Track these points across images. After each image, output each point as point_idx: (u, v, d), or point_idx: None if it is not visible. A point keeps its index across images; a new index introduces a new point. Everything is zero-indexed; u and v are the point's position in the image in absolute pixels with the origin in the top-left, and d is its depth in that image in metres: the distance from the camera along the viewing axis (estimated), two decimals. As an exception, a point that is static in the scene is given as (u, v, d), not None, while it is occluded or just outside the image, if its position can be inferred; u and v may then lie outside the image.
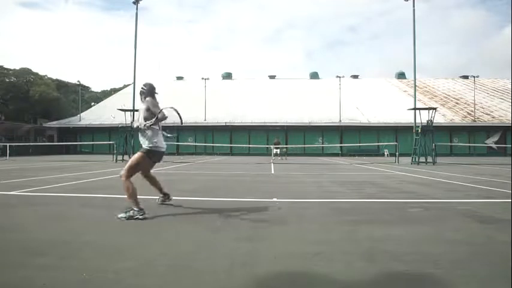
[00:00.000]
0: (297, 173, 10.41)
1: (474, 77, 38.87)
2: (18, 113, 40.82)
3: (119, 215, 3.40)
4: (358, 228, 3.06)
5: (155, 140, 3.70)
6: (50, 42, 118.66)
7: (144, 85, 3.94)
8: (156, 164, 4.07)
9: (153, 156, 3.76)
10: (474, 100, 36.44)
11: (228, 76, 53.03)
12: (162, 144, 3.82)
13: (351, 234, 2.82)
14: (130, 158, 17.81)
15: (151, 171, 4.14)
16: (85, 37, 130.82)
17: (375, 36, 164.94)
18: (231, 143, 33.07)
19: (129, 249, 2.39)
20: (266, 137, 33.80)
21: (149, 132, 3.68)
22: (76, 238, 2.69)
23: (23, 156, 24.96)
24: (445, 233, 2.87)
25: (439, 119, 30.26)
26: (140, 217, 3.37)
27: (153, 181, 4.16)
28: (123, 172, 3.60)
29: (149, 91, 3.89)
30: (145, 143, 3.70)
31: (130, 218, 3.36)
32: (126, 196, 3.51)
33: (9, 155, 21.44)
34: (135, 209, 3.42)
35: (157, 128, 3.76)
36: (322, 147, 32.89)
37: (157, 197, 4.26)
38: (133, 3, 17.76)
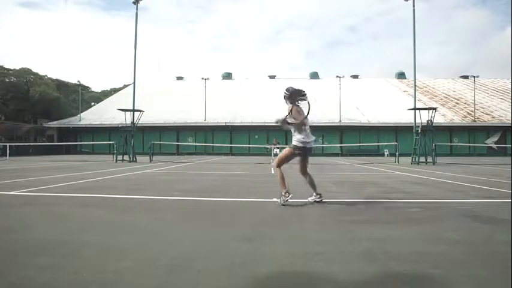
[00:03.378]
0: (297, 172, 10.40)
1: (474, 77, 38.87)
2: (18, 113, 40.82)
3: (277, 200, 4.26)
4: (358, 228, 3.06)
5: (301, 137, 4.14)
6: (50, 42, 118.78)
7: (286, 90, 4.25)
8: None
9: (299, 151, 4.22)
10: (474, 100, 36.43)
11: (228, 76, 53.00)
12: (309, 141, 4.21)
13: (351, 234, 2.82)
14: (130, 158, 17.58)
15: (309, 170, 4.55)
16: (85, 37, 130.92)
17: (375, 36, 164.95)
18: (231, 143, 33.06)
19: (129, 249, 2.39)
20: (266, 137, 33.80)
21: (295, 131, 4.19)
22: (76, 238, 2.69)
23: (23, 156, 24.96)
24: (445, 233, 2.87)
25: (439, 119, 30.27)
26: (287, 198, 4.16)
27: (308, 179, 4.51)
28: (274, 163, 4.35)
29: (291, 96, 4.18)
30: (293, 140, 4.23)
31: (284, 202, 4.15)
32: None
33: (9, 155, 21.44)
34: (282, 192, 4.18)
35: (305, 127, 4.18)
36: (322, 147, 32.88)
37: (312, 196, 4.47)
38: (133, 3, 17.73)
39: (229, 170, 11.36)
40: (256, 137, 34.83)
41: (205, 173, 10.27)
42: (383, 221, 3.38)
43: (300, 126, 4.11)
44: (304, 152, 4.25)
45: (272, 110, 37.36)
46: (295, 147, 4.18)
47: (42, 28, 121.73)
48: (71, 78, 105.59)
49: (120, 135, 17.47)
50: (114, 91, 55.96)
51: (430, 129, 15.57)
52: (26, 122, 38.92)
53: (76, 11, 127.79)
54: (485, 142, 33.03)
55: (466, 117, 35.89)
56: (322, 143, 33.97)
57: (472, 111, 36.07)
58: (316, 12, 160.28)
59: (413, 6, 16.86)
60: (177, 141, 33.86)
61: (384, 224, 3.25)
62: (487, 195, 5.28)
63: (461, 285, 1.80)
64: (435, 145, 16.09)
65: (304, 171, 4.49)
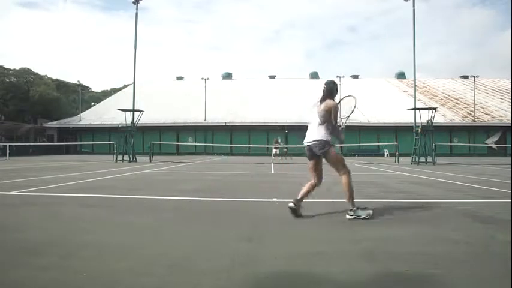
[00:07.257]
0: (297, 172, 10.41)
1: (474, 77, 38.85)
2: (18, 113, 40.82)
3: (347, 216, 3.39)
4: (358, 228, 3.06)
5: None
6: (50, 42, 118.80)
7: (325, 83, 3.94)
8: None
9: None
10: (474, 100, 36.42)
11: (228, 76, 52.96)
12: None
13: (351, 234, 2.82)
14: (130, 158, 17.42)
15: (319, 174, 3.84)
16: (85, 37, 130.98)
17: (374, 36, 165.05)
18: (231, 143, 33.05)
19: (129, 249, 2.39)
20: (266, 137, 33.79)
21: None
22: (76, 238, 2.69)
23: (23, 156, 24.95)
24: (445, 233, 2.87)
25: (439, 119, 30.24)
26: (364, 216, 3.35)
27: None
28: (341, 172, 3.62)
29: (329, 90, 3.87)
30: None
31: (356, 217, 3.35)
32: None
33: (9, 155, 21.43)
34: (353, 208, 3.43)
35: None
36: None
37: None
38: (133, 3, 17.72)
39: (229, 170, 11.36)
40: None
41: (206, 173, 10.27)
42: (383, 221, 3.38)
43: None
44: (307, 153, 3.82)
45: (272, 110, 37.38)
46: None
47: (42, 28, 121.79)
48: (71, 78, 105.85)
49: (120, 135, 17.46)
50: (114, 91, 55.95)
51: (430, 129, 15.57)
52: (26, 122, 38.92)
53: (76, 10, 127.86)
54: (485, 142, 33.02)
55: (466, 117, 35.89)
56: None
57: (472, 111, 36.06)
58: (316, 12, 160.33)
59: (414, 6, 16.87)
60: (177, 141, 33.86)
61: (384, 224, 3.25)
62: (487, 195, 5.28)
63: (462, 285, 1.80)
64: (435, 145, 16.09)
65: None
